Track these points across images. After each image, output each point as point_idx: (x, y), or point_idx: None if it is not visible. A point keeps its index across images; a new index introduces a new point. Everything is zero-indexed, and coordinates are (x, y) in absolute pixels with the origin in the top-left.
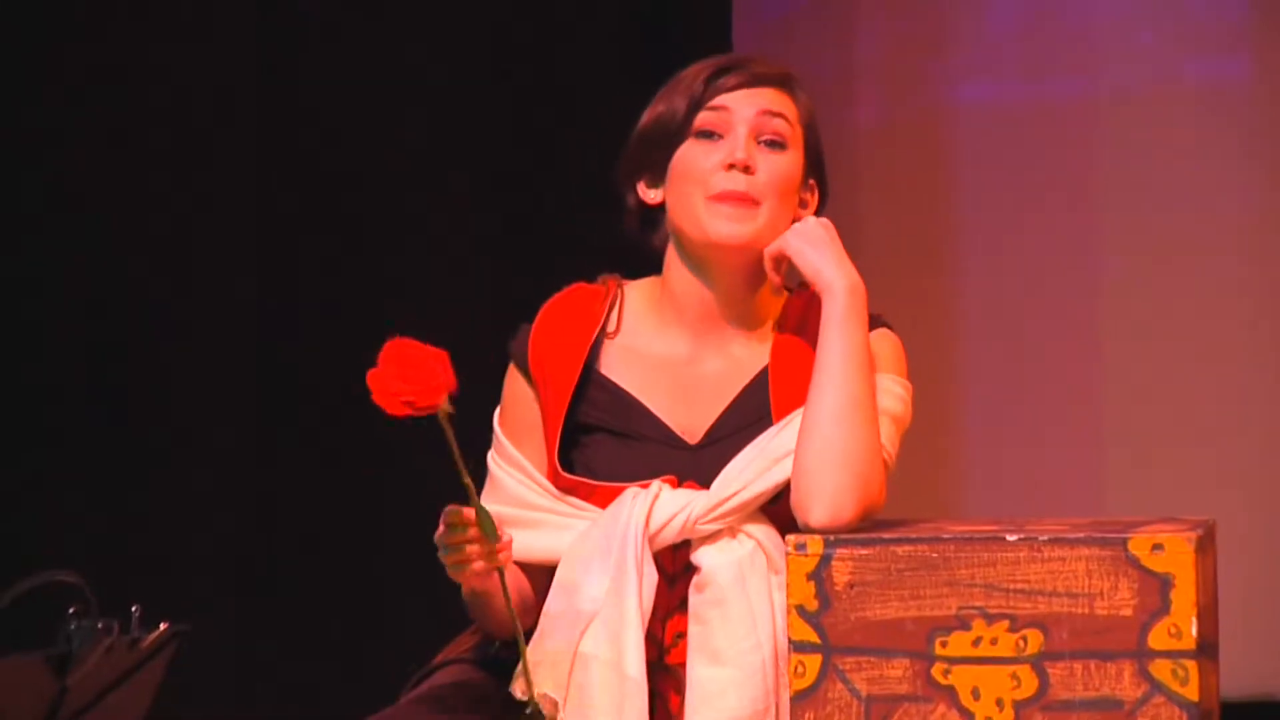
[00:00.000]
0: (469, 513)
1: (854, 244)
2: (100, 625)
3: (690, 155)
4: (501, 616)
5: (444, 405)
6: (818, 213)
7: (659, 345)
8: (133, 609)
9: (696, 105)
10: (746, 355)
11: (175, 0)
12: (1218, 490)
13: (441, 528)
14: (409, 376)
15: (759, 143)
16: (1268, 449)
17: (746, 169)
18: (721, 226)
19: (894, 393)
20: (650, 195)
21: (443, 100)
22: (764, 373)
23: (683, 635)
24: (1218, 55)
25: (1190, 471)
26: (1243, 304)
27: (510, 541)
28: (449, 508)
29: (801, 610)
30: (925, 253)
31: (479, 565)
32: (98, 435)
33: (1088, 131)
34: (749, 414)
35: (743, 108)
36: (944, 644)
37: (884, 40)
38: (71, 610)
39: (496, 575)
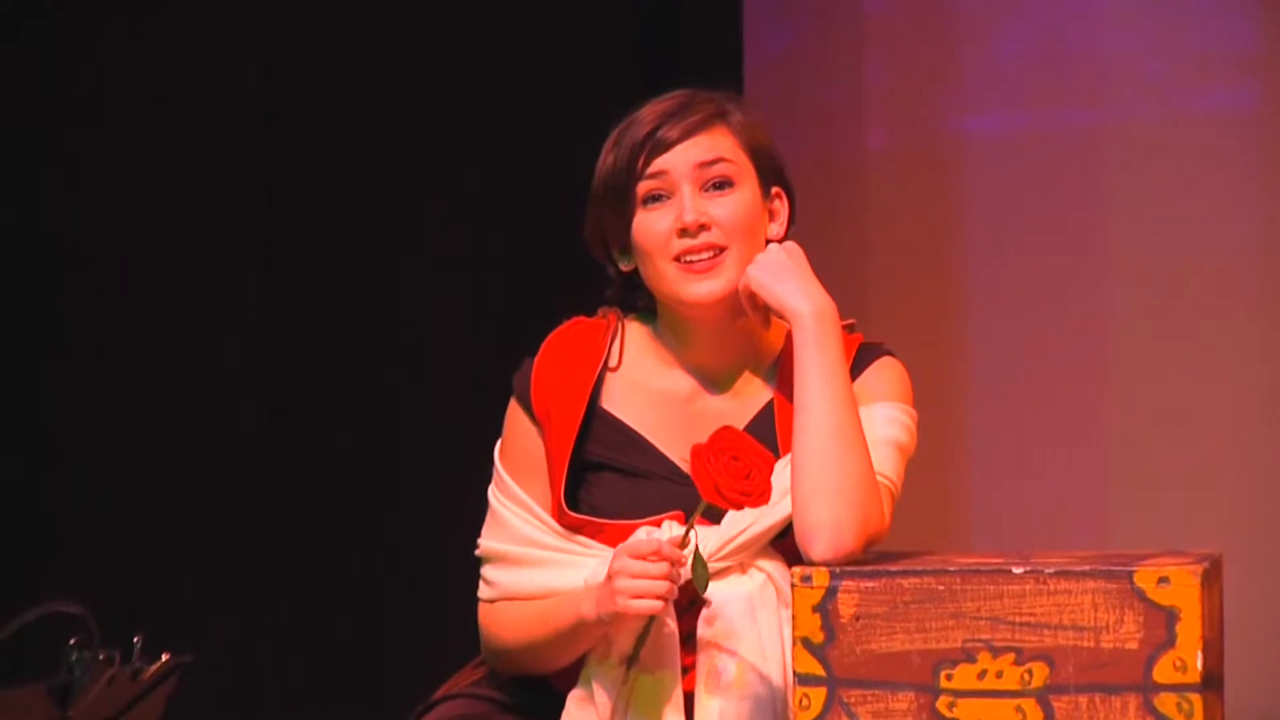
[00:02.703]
0: (686, 556)
1: (861, 271)
2: (102, 656)
3: (644, 225)
4: (569, 659)
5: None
6: (791, 210)
7: (662, 381)
8: (134, 639)
9: (636, 176)
10: (751, 390)
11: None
12: (1224, 523)
13: (651, 554)
14: (733, 470)
15: (706, 190)
16: (1275, 482)
17: (701, 228)
18: (696, 288)
19: (899, 421)
20: (624, 264)
21: (454, 122)
22: (769, 406)
23: (690, 669)
24: (1225, 85)
25: (1197, 504)
26: (1251, 334)
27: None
28: (670, 542)
29: (807, 642)
30: (932, 281)
31: (654, 606)
32: (99, 458)
33: (1095, 161)
34: None
35: (679, 165)
36: (949, 677)
37: (892, 69)
38: (73, 640)
39: (631, 623)
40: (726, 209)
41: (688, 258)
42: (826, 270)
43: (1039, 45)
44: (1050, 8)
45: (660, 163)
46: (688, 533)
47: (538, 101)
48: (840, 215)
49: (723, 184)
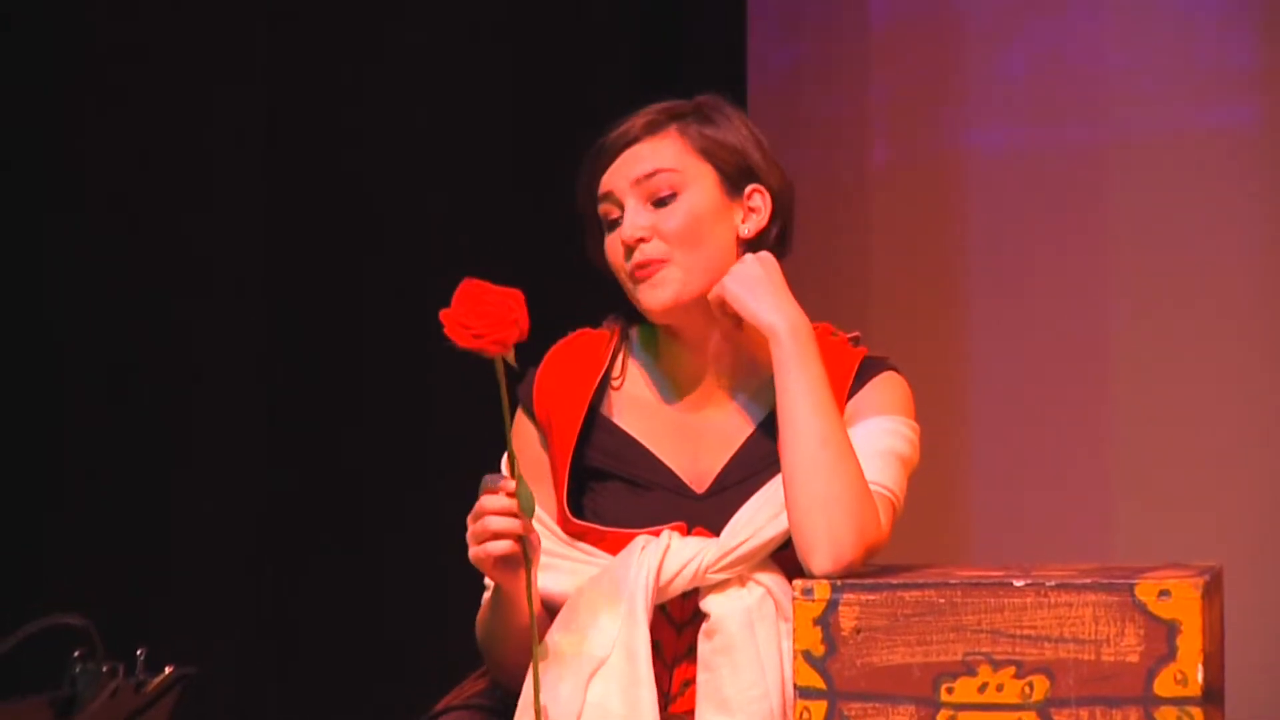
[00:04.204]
0: (509, 483)
1: (864, 284)
2: (105, 668)
3: (607, 248)
4: (518, 642)
5: (508, 351)
6: (775, 207)
7: (663, 392)
8: (138, 652)
9: (592, 200)
10: (751, 401)
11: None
12: (1225, 535)
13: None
14: (482, 313)
15: (654, 203)
16: (1276, 494)
17: (640, 241)
18: (647, 298)
19: (901, 434)
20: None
21: (457, 130)
22: (770, 418)
23: (690, 683)
24: (1227, 102)
25: (1198, 517)
26: (1252, 349)
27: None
28: (489, 475)
29: (808, 655)
30: (935, 296)
31: (502, 546)
32: (100, 468)
33: (1097, 177)
34: (756, 461)
35: (619, 182)
36: (950, 690)
37: (896, 86)
38: (76, 653)
39: (523, 573)
40: (669, 220)
41: (637, 271)
42: (830, 283)
43: (1042, 62)
44: (1053, 25)
45: (605, 183)
46: (509, 460)
47: (542, 118)
48: (844, 230)
49: (664, 200)
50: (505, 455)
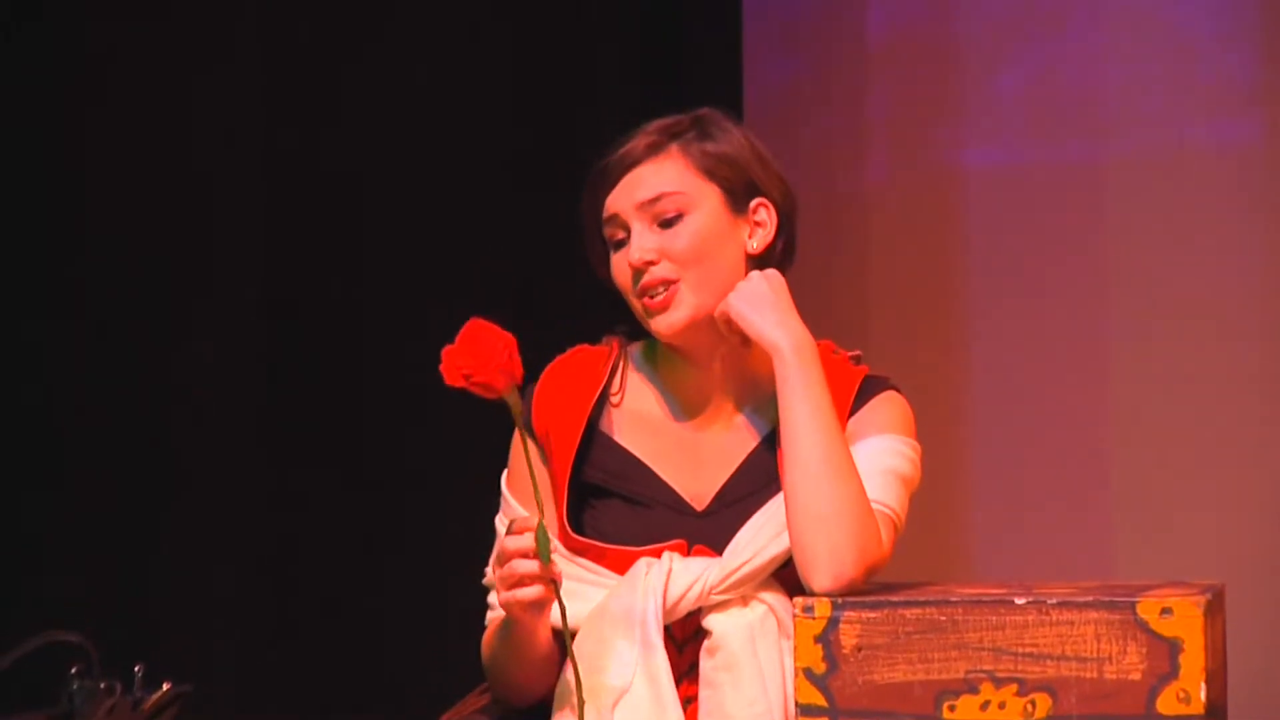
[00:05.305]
0: (530, 521)
1: (863, 303)
2: (103, 685)
3: (613, 267)
4: (528, 672)
5: (495, 394)
6: (780, 220)
7: (664, 409)
8: (135, 669)
9: (598, 223)
10: (752, 419)
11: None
12: (1227, 553)
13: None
14: (474, 354)
15: (659, 225)
16: (1278, 510)
17: (649, 264)
18: (658, 324)
19: (903, 453)
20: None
21: (460, 137)
22: (771, 435)
23: (692, 700)
24: (1228, 118)
25: (1200, 535)
26: (1252, 367)
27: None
28: (515, 518)
29: (809, 673)
30: (934, 315)
31: (530, 593)
32: (102, 474)
33: (1096, 195)
34: (756, 479)
35: (624, 205)
36: (951, 708)
37: (893, 104)
38: (74, 670)
39: (545, 611)
40: (676, 241)
41: (648, 293)
42: (828, 302)
43: (1040, 79)
44: (1051, 41)
45: (610, 206)
46: (536, 498)
47: (542, 118)
48: (842, 248)
49: (669, 220)
50: (512, 488)
